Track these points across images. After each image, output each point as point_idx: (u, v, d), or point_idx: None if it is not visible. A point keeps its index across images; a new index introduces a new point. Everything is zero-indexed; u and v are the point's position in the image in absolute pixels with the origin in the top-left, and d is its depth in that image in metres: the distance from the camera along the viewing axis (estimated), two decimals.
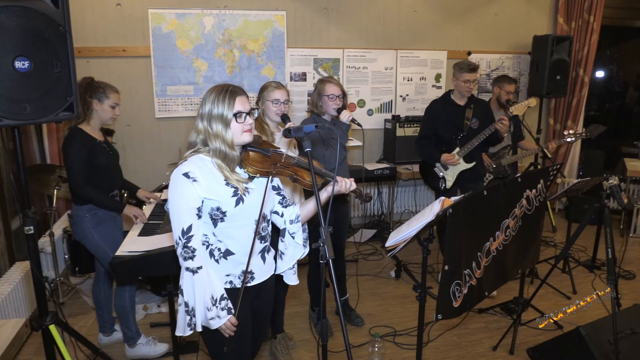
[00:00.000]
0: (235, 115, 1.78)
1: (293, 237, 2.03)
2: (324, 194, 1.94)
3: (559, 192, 4.16)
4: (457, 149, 3.80)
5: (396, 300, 3.85)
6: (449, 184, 3.86)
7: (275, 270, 2.09)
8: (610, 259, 2.68)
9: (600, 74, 7.39)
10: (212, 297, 1.79)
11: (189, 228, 1.76)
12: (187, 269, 1.78)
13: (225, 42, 4.78)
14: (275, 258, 2.10)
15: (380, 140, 5.42)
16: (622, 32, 7.05)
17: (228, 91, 1.80)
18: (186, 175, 1.75)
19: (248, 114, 1.82)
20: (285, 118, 2.76)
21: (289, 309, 3.51)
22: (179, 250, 1.78)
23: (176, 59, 4.66)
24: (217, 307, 1.80)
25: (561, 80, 5.29)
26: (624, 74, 7.60)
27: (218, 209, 1.79)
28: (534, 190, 2.74)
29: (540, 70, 5.28)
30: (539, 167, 4.65)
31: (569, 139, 4.05)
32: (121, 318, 3.03)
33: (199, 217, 1.79)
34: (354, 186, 1.98)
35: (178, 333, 1.88)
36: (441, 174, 3.89)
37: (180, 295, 1.86)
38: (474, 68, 3.68)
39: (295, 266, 2.10)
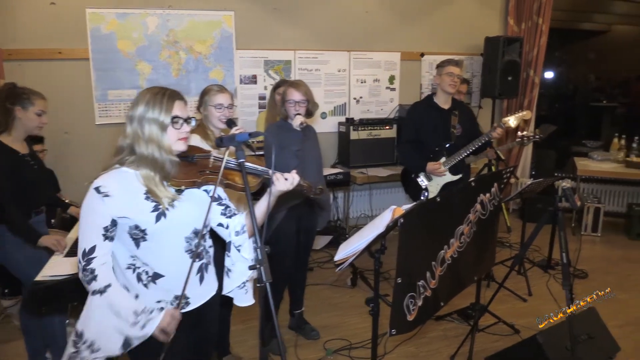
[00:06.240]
0: (172, 119, 1.62)
1: (239, 251, 1.83)
2: (264, 200, 1.73)
3: (513, 194, 4.16)
4: (443, 159, 3.53)
5: (353, 309, 3.72)
6: (431, 196, 3.47)
7: (221, 291, 1.88)
8: (565, 263, 2.64)
9: (549, 74, 7.55)
10: (136, 312, 1.59)
11: (92, 249, 1.58)
12: (94, 292, 1.59)
13: (170, 44, 4.55)
14: (221, 276, 1.89)
15: (334, 144, 5.29)
16: (569, 34, 7.23)
17: (165, 94, 1.64)
18: (97, 190, 1.59)
19: (185, 121, 1.66)
20: (230, 123, 2.58)
21: (239, 325, 3.33)
22: (80, 275, 1.60)
23: (117, 61, 4.39)
24: (145, 313, 1.60)
25: (512, 81, 5.34)
26: (572, 74, 7.81)
27: (137, 227, 1.61)
28: (488, 195, 2.67)
29: (492, 71, 5.31)
30: (492, 168, 4.63)
31: (517, 141, 3.84)
32: (53, 347, 2.76)
33: (107, 238, 1.60)
34: (297, 180, 1.75)
35: None
36: (424, 184, 3.60)
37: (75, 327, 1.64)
38: (458, 62, 3.47)
39: (249, 284, 1.88)
